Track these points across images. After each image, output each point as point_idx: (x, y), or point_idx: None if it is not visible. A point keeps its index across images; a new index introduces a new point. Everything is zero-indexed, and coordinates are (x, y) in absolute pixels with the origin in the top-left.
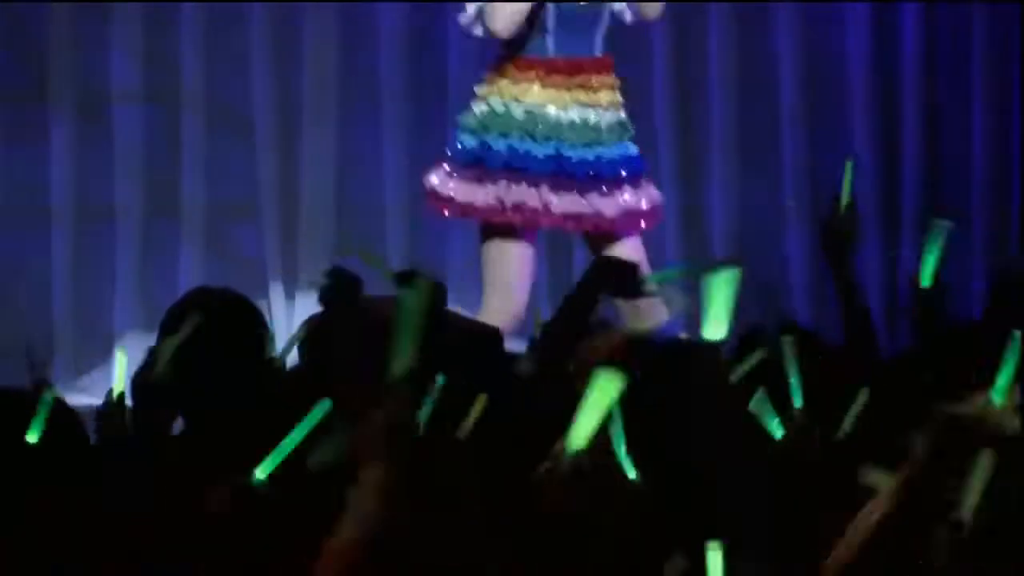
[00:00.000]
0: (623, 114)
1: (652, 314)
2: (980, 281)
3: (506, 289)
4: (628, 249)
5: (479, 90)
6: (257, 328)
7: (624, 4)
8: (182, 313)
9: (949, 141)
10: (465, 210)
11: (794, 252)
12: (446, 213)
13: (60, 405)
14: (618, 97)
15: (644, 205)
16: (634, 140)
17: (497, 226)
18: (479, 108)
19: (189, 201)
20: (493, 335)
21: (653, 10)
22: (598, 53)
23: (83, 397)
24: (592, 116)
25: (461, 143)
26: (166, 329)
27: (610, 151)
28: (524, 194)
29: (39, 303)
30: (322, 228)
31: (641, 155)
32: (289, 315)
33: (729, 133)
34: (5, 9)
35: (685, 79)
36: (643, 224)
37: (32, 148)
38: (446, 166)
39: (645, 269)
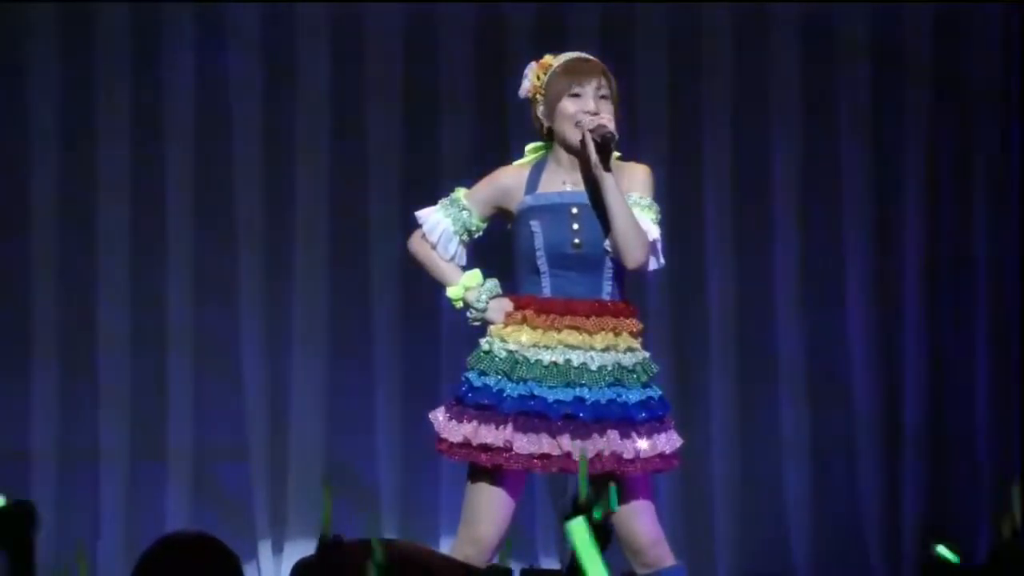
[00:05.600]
0: (629, 358)
1: None
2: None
3: (477, 537)
4: (636, 493)
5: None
6: (230, 574)
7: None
8: (153, 560)
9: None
10: (442, 447)
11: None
12: (439, 449)
13: None
14: (629, 341)
15: (619, 451)
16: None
17: (480, 467)
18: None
19: (176, 444)
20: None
21: (631, 260)
22: (605, 297)
23: None
24: (577, 358)
25: (462, 381)
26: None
27: (597, 394)
28: (491, 434)
29: None
30: (312, 472)
31: (647, 402)
32: (277, 561)
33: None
34: None
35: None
36: (615, 468)
37: (14, 393)
38: (448, 404)
39: (649, 510)
